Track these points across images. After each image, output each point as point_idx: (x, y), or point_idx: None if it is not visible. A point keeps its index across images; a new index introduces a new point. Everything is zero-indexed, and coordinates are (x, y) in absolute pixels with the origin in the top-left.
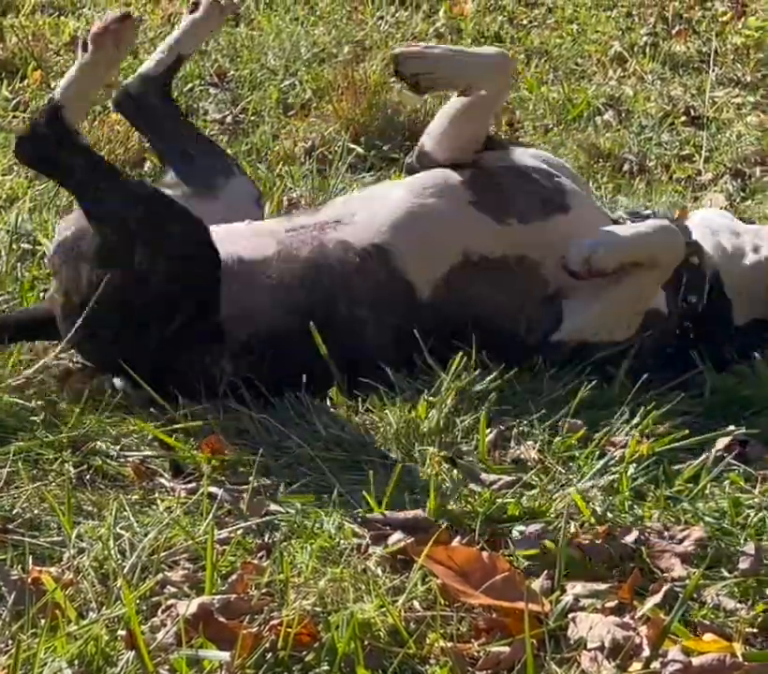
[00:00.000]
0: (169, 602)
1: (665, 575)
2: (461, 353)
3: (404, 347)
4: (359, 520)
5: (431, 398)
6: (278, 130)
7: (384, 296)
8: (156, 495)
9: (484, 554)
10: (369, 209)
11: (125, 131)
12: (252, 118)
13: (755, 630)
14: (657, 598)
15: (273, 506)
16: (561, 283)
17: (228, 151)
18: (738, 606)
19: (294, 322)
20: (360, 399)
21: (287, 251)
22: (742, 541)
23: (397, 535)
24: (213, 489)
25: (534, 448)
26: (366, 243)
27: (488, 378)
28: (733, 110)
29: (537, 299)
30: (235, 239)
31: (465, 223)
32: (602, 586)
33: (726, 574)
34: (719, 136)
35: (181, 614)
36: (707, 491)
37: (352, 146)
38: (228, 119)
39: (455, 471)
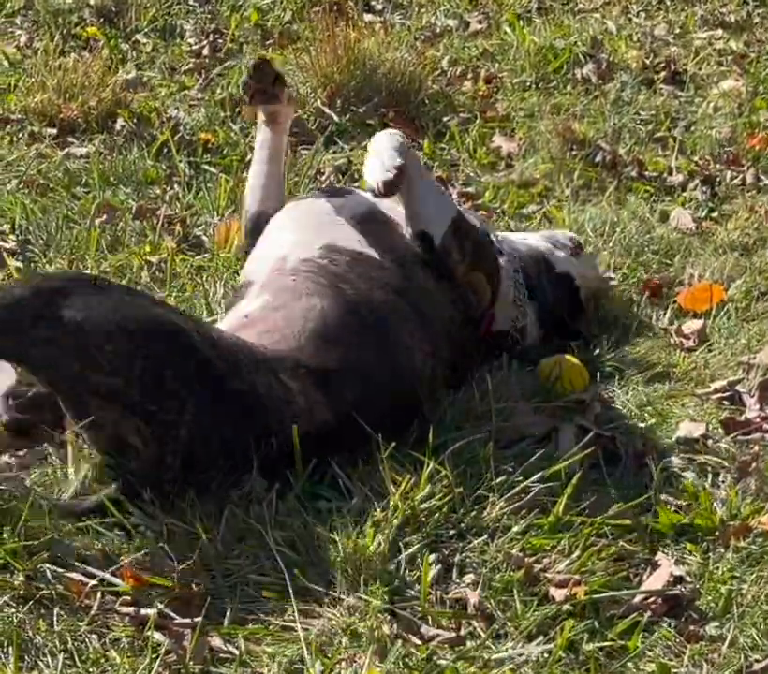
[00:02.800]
0: None
1: None
2: (408, 475)
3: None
4: None
5: (378, 513)
6: None
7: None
8: (106, 622)
9: None
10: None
11: (100, 79)
12: (230, 45)
13: None
14: None
15: (217, 641)
16: None
17: (202, 96)
18: None
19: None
20: (312, 508)
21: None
22: None
23: None
24: (157, 635)
25: (475, 589)
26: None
27: (435, 498)
28: (714, 61)
29: None
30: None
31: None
32: None
33: None
34: (695, 107)
35: None
36: (640, 646)
37: (327, 111)
38: (205, 50)
39: (394, 625)
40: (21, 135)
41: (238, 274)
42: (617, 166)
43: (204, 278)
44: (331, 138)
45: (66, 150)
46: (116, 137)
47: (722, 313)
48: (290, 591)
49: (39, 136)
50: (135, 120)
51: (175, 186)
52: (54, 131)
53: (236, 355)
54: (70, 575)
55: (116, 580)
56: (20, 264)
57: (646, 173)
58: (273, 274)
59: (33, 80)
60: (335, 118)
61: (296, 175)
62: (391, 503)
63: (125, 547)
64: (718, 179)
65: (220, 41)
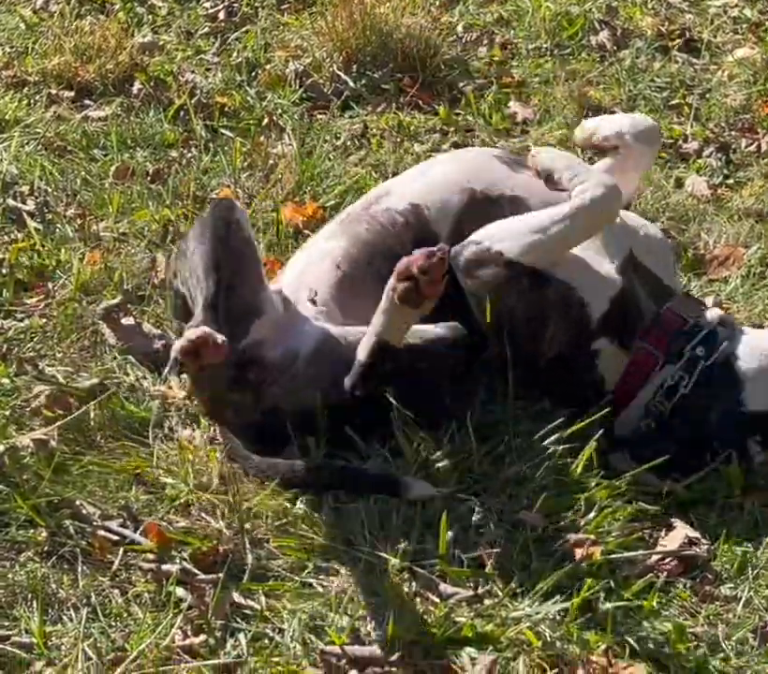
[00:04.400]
0: None
1: None
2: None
3: None
4: (317, 651)
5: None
6: (271, 35)
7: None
8: (129, 577)
9: None
10: (403, 181)
11: (117, 42)
12: (245, 9)
13: None
14: None
15: (238, 597)
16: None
17: (218, 60)
18: None
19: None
20: None
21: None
22: None
23: None
24: (179, 591)
25: (492, 549)
26: (406, 204)
27: (453, 457)
28: (729, 29)
29: None
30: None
31: (481, 167)
32: None
33: None
34: (710, 74)
35: None
36: (656, 605)
37: (343, 76)
38: (221, 14)
39: (413, 582)
40: (38, 97)
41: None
42: None
43: None
44: (346, 102)
45: (84, 112)
46: (133, 100)
47: (737, 279)
48: (313, 546)
49: (57, 98)
50: (152, 83)
51: (192, 149)
52: (72, 94)
53: None
54: (94, 531)
55: (140, 538)
56: (39, 225)
57: (662, 140)
58: (357, 210)
59: (50, 42)
60: (351, 83)
61: (311, 139)
62: (406, 461)
63: (150, 504)
64: (733, 146)
65: (236, 5)
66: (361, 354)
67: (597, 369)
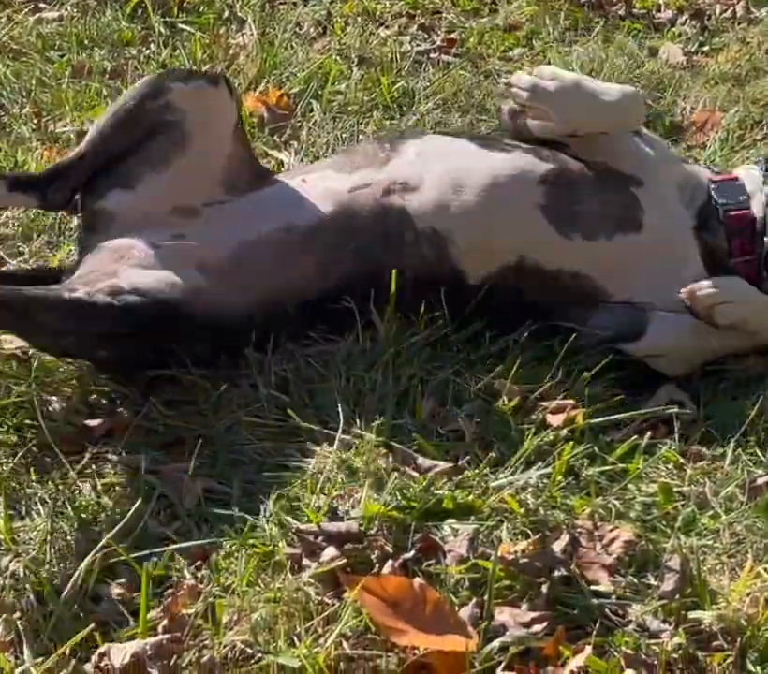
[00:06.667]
0: (102, 649)
1: (592, 588)
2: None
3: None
4: (293, 530)
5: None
6: None
7: (431, 274)
8: (98, 470)
9: (416, 583)
10: (440, 178)
11: None
12: None
13: (677, 656)
14: (580, 659)
15: (212, 483)
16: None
17: None
18: (662, 627)
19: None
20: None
21: (346, 214)
22: (671, 542)
23: (331, 551)
24: (150, 479)
25: (471, 420)
26: (426, 225)
27: (420, 335)
28: None
29: (589, 304)
30: (291, 202)
31: (527, 227)
32: (530, 615)
33: (652, 581)
34: None
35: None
36: (641, 467)
37: None
38: None
39: (390, 457)
40: None
41: None
42: (604, 5)
43: None
44: None
45: (38, 15)
46: (89, 0)
47: (716, 143)
48: (285, 429)
49: (10, 3)
50: None
51: (151, 46)
52: None
53: None
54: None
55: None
56: None
57: (634, 11)
58: (390, 217)
59: None
60: None
61: (273, 29)
62: (381, 336)
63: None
64: (708, 13)
65: None
66: None
67: None
